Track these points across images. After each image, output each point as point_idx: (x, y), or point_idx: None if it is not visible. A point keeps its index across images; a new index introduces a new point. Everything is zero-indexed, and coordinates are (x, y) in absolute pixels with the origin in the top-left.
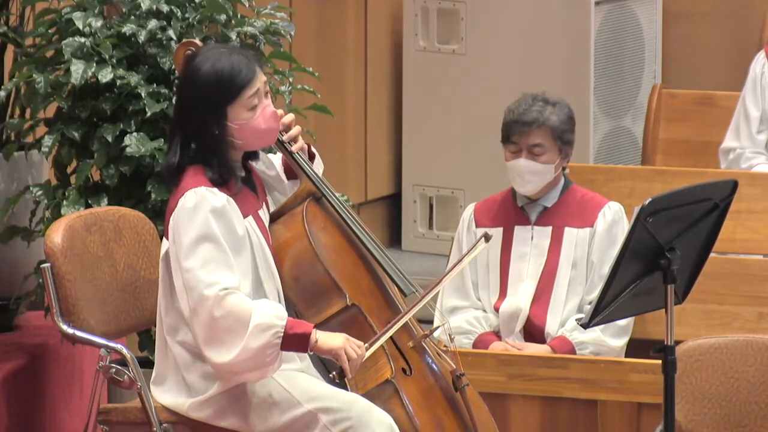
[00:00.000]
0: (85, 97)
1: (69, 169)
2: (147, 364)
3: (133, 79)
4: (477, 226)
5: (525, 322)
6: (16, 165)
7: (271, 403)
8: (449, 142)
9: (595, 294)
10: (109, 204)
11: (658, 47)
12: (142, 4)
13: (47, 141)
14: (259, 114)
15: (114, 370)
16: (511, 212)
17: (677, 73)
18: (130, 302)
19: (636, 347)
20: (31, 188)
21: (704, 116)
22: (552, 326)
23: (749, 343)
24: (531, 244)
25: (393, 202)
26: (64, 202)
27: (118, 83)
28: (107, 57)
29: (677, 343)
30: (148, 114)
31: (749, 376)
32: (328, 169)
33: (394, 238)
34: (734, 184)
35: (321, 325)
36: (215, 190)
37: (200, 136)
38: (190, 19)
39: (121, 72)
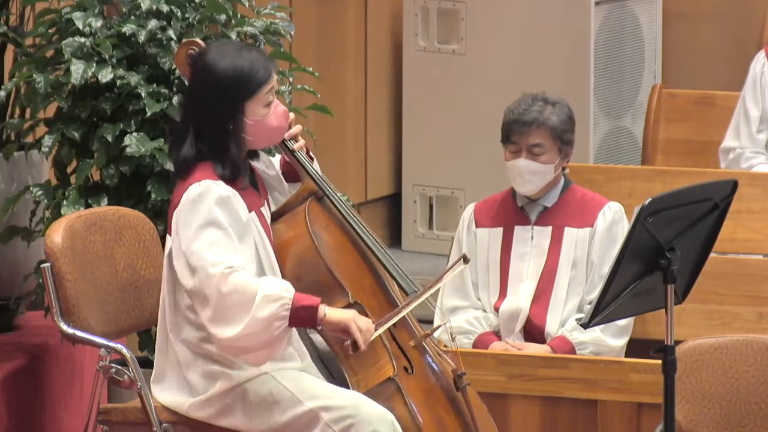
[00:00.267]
0: (85, 97)
1: (69, 169)
2: (147, 364)
3: (133, 79)
4: (477, 226)
5: (525, 322)
6: (16, 165)
7: (272, 402)
8: (449, 142)
9: (595, 294)
10: (109, 204)
11: (658, 47)
12: (142, 4)
13: (47, 141)
14: (272, 111)
15: (114, 370)
16: (511, 212)
17: (677, 73)
18: (130, 302)
19: (636, 347)
20: (31, 188)
21: (704, 116)
22: (552, 326)
23: (749, 343)
24: (531, 244)
25: (393, 202)
26: (64, 202)
27: (118, 83)
28: (107, 57)
29: (677, 343)
30: (148, 114)
31: (749, 376)
32: (328, 169)
33: (394, 238)
34: (734, 184)
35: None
36: (220, 182)
37: (214, 132)
38: (190, 19)
39: (121, 72)
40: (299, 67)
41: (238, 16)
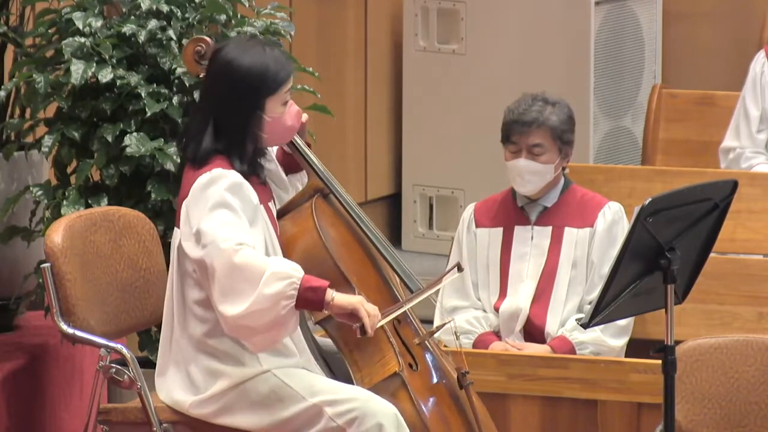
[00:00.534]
0: (85, 97)
1: (69, 169)
2: (147, 364)
3: (133, 79)
4: (477, 226)
5: (525, 322)
6: (16, 165)
7: (275, 399)
8: (449, 142)
9: (595, 294)
10: (109, 204)
11: (658, 47)
12: (142, 4)
13: (47, 141)
14: (287, 110)
15: (114, 370)
16: (511, 212)
17: (677, 73)
18: (130, 302)
19: (636, 347)
20: (31, 188)
21: (704, 116)
22: (552, 326)
23: (749, 343)
24: (531, 244)
25: (393, 202)
26: (64, 202)
27: (118, 83)
28: (107, 57)
29: (677, 343)
30: (148, 114)
31: (749, 376)
32: (328, 169)
33: (394, 238)
34: (734, 184)
35: (329, 318)
36: (232, 170)
37: (234, 126)
38: (190, 19)
39: (121, 72)
40: (299, 67)
41: (238, 16)
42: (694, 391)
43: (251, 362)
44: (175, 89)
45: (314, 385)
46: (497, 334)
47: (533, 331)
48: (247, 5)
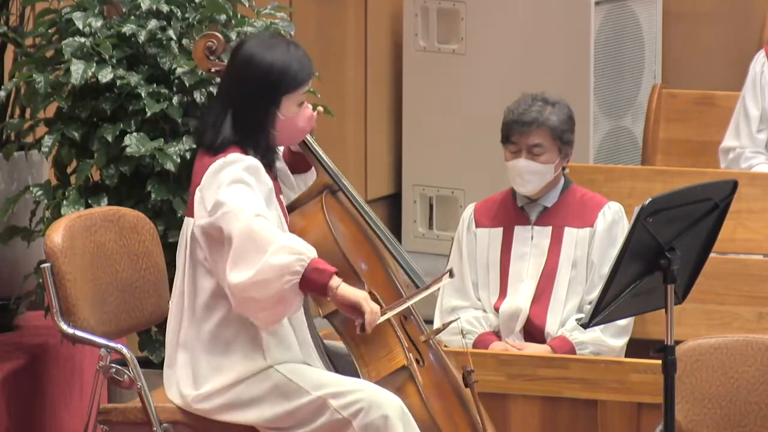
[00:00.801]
0: (85, 97)
1: (69, 169)
2: (147, 364)
3: (133, 79)
4: (477, 226)
5: (525, 322)
6: (16, 165)
7: (278, 395)
8: (449, 142)
9: (595, 294)
10: (109, 204)
11: (658, 47)
12: (142, 4)
13: (47, 141)
14: (301, 112)
15: (114, 370)
16: (511, 212)
17: (677, 73)
18: (130, 302)
19: (636, 347)
20: (31, 188)
21: (704, 116)
22: (552, 326)
23: (749, 343)
24: (531, 244)
25: (393, 202)
26: (64, 202)
27: (118, 83)
28: (107, 57)
29: (677, 343)
30: (148, 114)
31: (749, 376)
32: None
33: None
34: (734, 184)
35: (337, 313)
36: (249, 156)
37: (251, 120)
38: (190, 19)
39: (121, 72)
40: None
41: (238, 16)
42: (694, 391)
43: (256, 356)
44: (175, 89)
45: (318, 379)
46: (497, 334)
47: (533, 331)
48: (247, 5)
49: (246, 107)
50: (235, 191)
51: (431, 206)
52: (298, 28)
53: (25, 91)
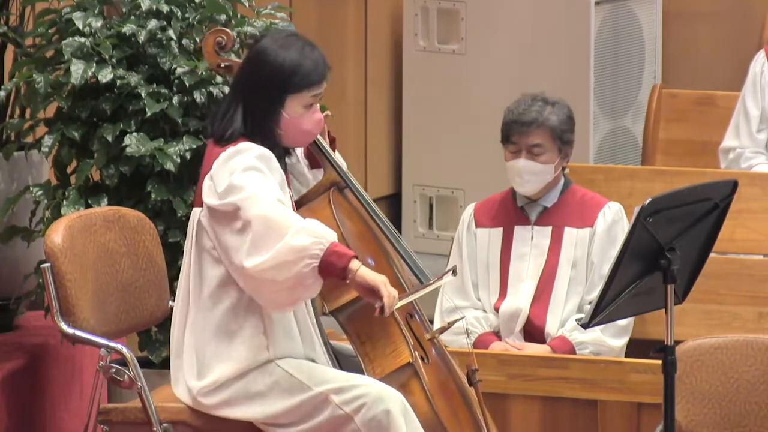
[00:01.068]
0: (85, 97)
1: (69, 169)
2: (147, 364)
3: (133, 79)
4: (477, 226)
5: (525, 322)
6: (16, 165)
7: (280, 390)
8: (449, 142)
9: (595, 294)
10: (109, 204)
11: (658, 47)
12: (142, 4)
13: (47, 141)
14: (309, 115)
15: (114, 370)
16: (511, 212)
17: (677, 73)
18: (130, 302)
19: (636, 347)
20: (31, 188)
21: (704, 116)
22: (552, 326)
23: (749, 343)
24: (531, 244)
25: (393, 202)
26: (64, 202)
27: (118, 83)
28: (107, 57)
29: (677, 343)
30: (148, 114)
31: (749, 376)
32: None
33: None
34: (734, 184)
35: (342, 309)
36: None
37: (258, 114)
38: (190, 19)
39: (121, 72)
40: None
41: (238, 16)
42: (694, 391)
43: (261, 347)
44: (175, 89)
45: (320, 375)
46: (497, 334)
47: (533, 331)
48: (247, 5)
49: (254, 102)
50: (251, 177)
51: (431, 206)
52: (298, 28)
53: (25, 91)
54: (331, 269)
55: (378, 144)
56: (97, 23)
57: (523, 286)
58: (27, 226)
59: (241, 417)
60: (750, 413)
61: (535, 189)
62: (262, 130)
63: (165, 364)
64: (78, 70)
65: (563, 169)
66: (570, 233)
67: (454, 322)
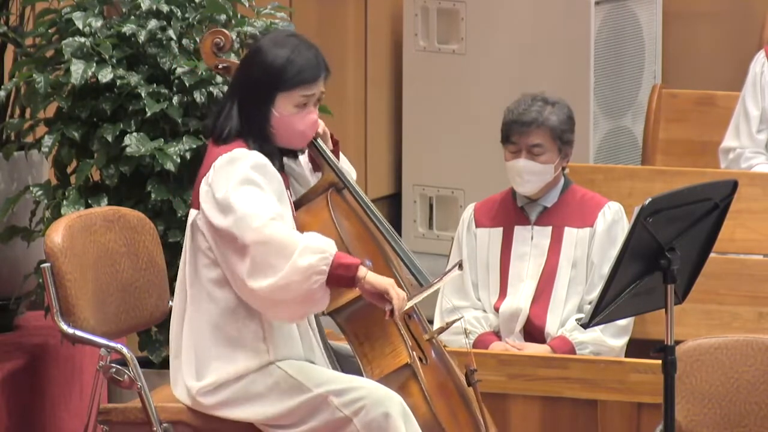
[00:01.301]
0: (85, 97)
1: (69, 169)
2: (147, 364)
3: (133, 79)
4: (477, 226)
5: (525, 322)
6: (16, 165)
7: (279, 391)
8: (449, 142)
9: (595, 294)
10: (109, 204)
11: (658, 47)
12: (142, 4)
13: (47, 141)
14: (301, 115)
15: (114, 370)
16: (511, 212)
17: (677, 73)
18: (130, 302)
19: (636, 347)
20: (31, 188)
21: (704, 116)
22: (552, 326)
23: (749, 343)
24: (531, 244)
25: (393, 202)
26: (64, 202)
27: (118, 83)
28: (107, 57)
29: (677, 343)
30: (148, 114)
31: (749, 376)
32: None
33: None
34: (734, 184)
35: (340, 310)
36: (253, 151)
37: (251, 112)
38: (190, 19)
39: (121, 72)
40: None
41: (238, 16)
42: (694, 391)
43: (260, 349)
44: (175, 89)
45: (319, 376)
46: (497, 334)
47: (533, 331)
48: (247, 5)
49: (247, 99)
50: (246, 194)
51: (431, 206)
52: (298, 28)
53: (25, 91)
54: (340, 281)
55: (378, 144)
56: (97, 23)
57: (523, 286)
58: (27, 226)
59: (240, 417)
60: (750, 413)
61: (535, 189)
62: (256, 128)
63: (165, 364)
64: (78, 70)
65: (563, 169)
66: (570, 233)
67: (453, 322)
